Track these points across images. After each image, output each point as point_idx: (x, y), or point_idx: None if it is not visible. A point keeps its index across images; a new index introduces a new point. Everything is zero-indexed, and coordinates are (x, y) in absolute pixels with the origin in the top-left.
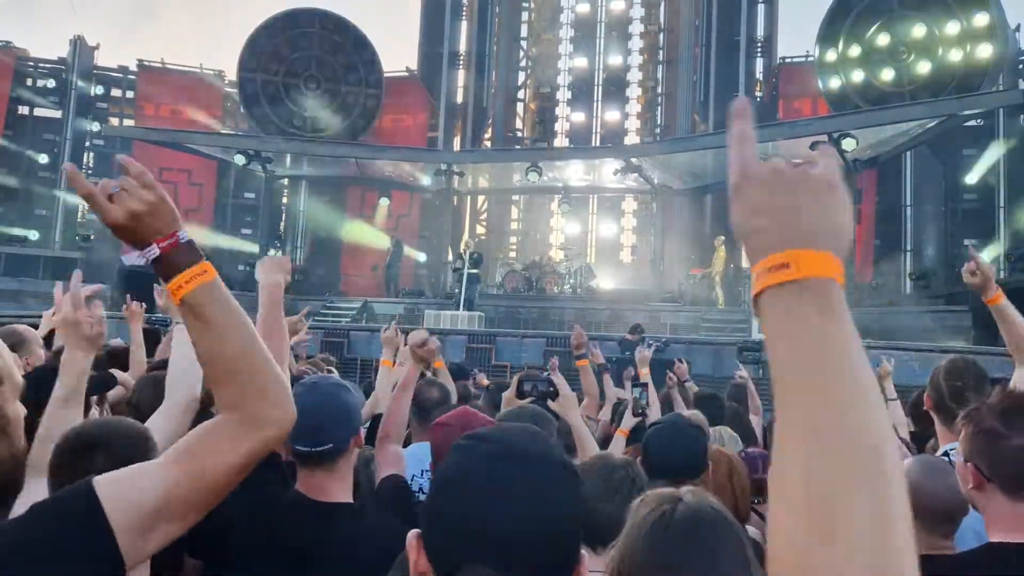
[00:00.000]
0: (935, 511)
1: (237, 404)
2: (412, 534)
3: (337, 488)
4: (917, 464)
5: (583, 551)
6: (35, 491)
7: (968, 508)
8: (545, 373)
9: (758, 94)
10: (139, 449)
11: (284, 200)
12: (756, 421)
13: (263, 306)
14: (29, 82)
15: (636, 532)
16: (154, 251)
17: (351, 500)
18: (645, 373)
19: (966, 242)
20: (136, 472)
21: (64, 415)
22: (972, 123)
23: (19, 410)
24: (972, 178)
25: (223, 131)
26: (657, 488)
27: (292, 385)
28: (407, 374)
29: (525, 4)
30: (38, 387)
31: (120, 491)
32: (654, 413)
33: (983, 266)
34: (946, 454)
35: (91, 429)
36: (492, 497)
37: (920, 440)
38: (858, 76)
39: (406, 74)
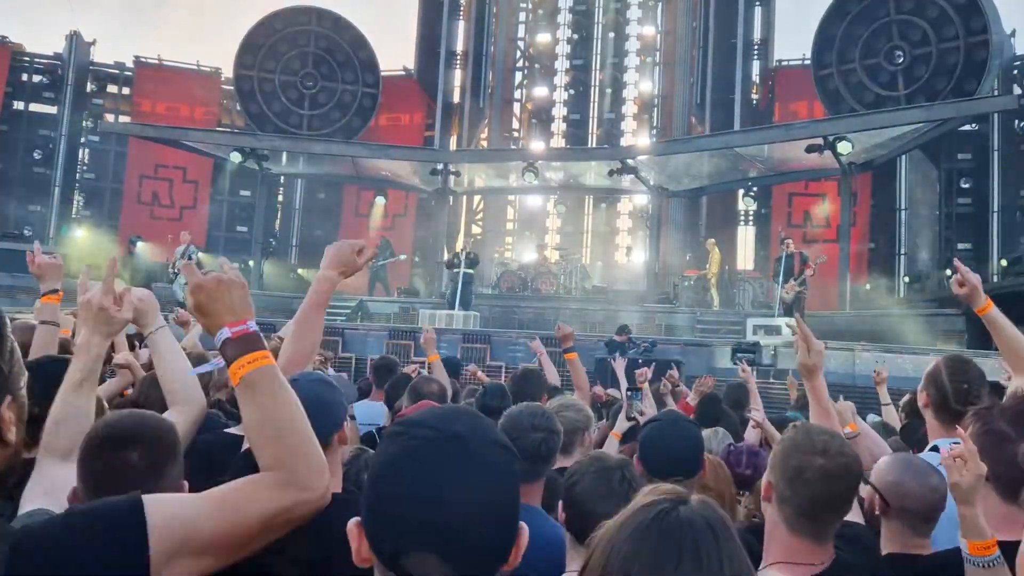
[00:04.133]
0: (916, 512)
1: (280, 464)
2: (352, 523)
3: None
4: (898, 464)
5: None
6: (49, 472)
7: (944, 505)
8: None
9: (755, 96)
10: (171, 447)
11: (280, 198)
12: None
13: (305, 300)
14: (25, 77)
15: (626, 533)
16: (225, 333)
17: (340, 491)
18: (645, 388)
19: (955, 262)
20: (180, 500)
21: (77, 399)
22: (967, 128)
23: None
24: (966, 183)
25: (219, 128)
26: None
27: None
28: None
29: (523, 4)
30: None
31: (165, 515)
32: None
33: (968, 276)
34: (936, 448)
35: (126, 422)
36: (427, 483)
37: (910, 432)
38: (853, 79)
39: (403, 73)
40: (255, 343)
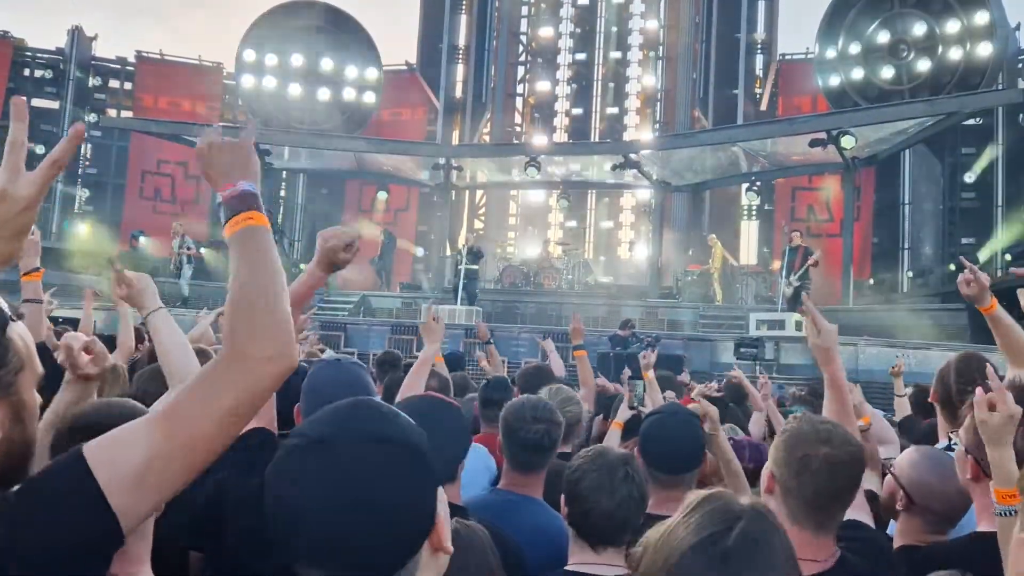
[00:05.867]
0: (940, 512)
1: (227, 337)
2: None
3: None
4: (926, 461)
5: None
6: None
7: (968, 506)
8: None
9: (758, 91)
10: None
11: (282, 193)
12: (757, 418)
13: (293, 284)
14: (27, 72)
15: (678, 558)
16: (219, 197)
17: None
18: (650, 376)
19: (961, 257)
20: (122, 432)
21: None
22: (971, 122)
23: (36, 398)
24: (970, 177)
25: (221, 123)
26: (700, 492)
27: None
28: (425, 352)
29: None
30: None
31: (108, 454)
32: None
33: (979, 276)
34: (949, 448)
35: (92, 412)
36: (289, 492)
37: (910, 428)
38: (858, 74)
39: (405, 68)
40: (243, 203)
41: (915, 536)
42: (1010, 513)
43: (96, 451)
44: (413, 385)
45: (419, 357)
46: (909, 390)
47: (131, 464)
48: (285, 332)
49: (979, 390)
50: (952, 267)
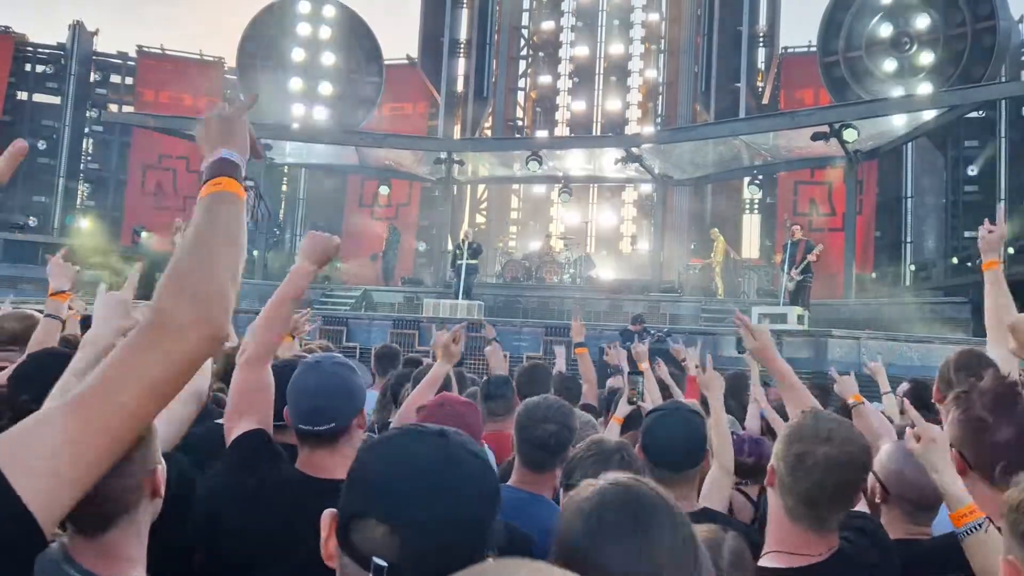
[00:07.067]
0: (916, 501)
1: (152, 300)
2: (327, 513)
3: (339, 466)
4: (899, 452)
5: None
6: None
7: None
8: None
9: (760, 84)
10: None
11: (284, 188)
12: (753, 413)
13: (280, 290)
14: (28, 68)
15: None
16: (202, 166)
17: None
18: (645, 366)
19: (1000, 205)
20: (31, 424)
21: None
22: (974, 115)
23: None
24: (973, 170)
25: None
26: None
27: (292, 366)
28: (435, 370)
29: None
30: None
31: (16, 447)
32: (652, 403)
33: (1001, 228)
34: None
35: None
36: (396, 458)
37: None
38: (860, 67)
39: (406, 62)
40: (219, 169)
41: (899, 527)
42: (973, 530)
43: (3, 447)
44: (421, 398)
45: (430, 374)
46: (903, 386)
47: (43, 454)
48: (215, 300)
49: (908, 428)
50: (955, 260)
